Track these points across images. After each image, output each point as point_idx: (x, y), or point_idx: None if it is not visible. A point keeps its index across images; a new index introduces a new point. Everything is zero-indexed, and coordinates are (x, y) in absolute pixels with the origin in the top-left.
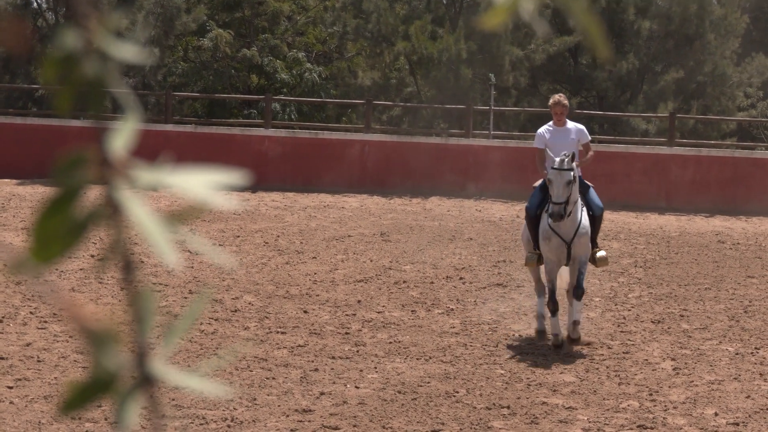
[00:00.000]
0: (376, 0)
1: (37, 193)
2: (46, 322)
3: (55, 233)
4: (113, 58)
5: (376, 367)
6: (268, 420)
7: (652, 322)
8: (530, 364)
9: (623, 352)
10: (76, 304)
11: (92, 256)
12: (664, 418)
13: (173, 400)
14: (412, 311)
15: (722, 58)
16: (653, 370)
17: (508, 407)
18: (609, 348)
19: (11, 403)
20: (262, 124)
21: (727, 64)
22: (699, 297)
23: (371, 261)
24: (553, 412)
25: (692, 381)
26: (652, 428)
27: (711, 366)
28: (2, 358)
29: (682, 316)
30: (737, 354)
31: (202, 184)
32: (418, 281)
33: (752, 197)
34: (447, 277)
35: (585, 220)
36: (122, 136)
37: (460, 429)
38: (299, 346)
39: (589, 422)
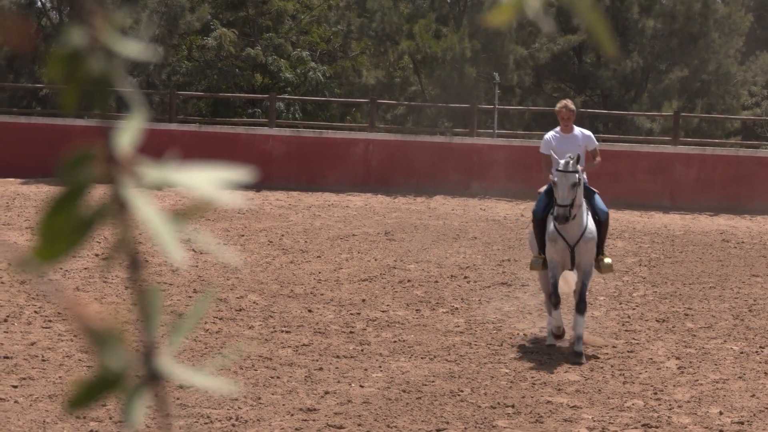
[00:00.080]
0: None
1: (41, 192)
2: (50, 321)
3: (61, 231)
4: (119, 56)
5: (380, 366)
6: (273, 419)
7: (656, 321)
8: (535, 363)
9: (628, 351)
10: (81, 303)
11: (97, 255)
12: (668, 417)
13: (178, 399)
14: (416, 310)
15: (726, 57)
16: (658, 369)
17: (513, 406)
18: (613, 347)
19: (16, 402)
20: (266, 123)
21: (731, 62)
22: (704, 296)
23: (376, 260)
24: (558, 411)
25: (697, 380)
26: (656, 427)
27: (716, 365)
28: (7, 357)
29: (687, 315)
30: (742, 353)
31: (208, 181)
32: (422, 280)
33: (756, 196)
34: (451, 276)
35: (591, 225)
36: (128, 133)
37: (465, 428)
38: (304, 345)
39: (594, 421)
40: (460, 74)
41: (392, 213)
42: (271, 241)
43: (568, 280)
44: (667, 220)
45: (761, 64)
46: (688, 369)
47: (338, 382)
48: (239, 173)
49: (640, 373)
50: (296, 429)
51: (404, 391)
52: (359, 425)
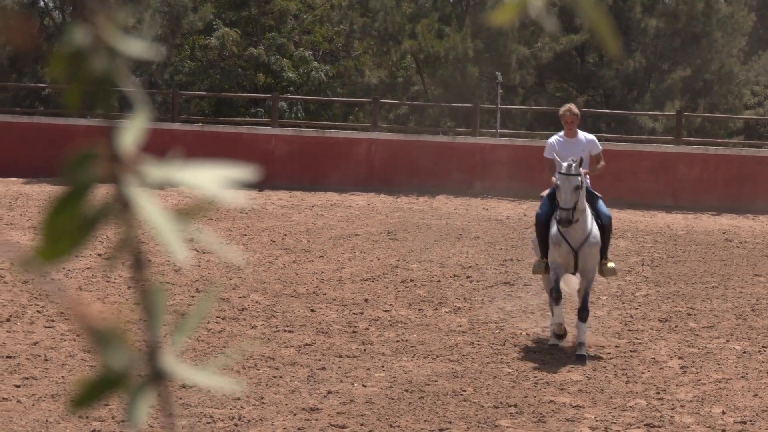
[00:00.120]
0: None
1: (44, 192)
2: (53, 320)
3: (64, 230)
4: (122, 55)
5: (383, 366)
6: (276, 419)
7: (659, 320)
8: (537, 362)
9: (630, 351)
10: (83, 302)
11: (100, 254)
12: (671, 416)
13: (180, 398)
14: (419, 310)
15: (729, 57)
16: (660, 368)
17: (516, 406)
18: (616, 346)
19: (18, 401)
20: (269, 123)
21: (733, 62)
22: (706, 295)
23: (378, 259)
24: (561, 411)
25: (699, 379)
26: (659, 427)
27: (718, 364)
28: (9, 357)
29: (690, 314)
30: (744, 352)
31: (211, 180)
32: (425, 280)
33: (759, 195)
34: (454, 275)
35: (595, 229)
36: (131, 133)
37: (468, 428)
38: (306, 344)
39: (597, 421)
40: (463, 74)
41: (395, 213)
42: (273, 241)
43: (569, 283)
44: (669, 220)
45: (764, 64)
46: (690, 369)
47: (341, 381)
48: (242, 172)
49: (643, 373)
50: (299, 429)
51: (407, 391)
52: (362, 425)
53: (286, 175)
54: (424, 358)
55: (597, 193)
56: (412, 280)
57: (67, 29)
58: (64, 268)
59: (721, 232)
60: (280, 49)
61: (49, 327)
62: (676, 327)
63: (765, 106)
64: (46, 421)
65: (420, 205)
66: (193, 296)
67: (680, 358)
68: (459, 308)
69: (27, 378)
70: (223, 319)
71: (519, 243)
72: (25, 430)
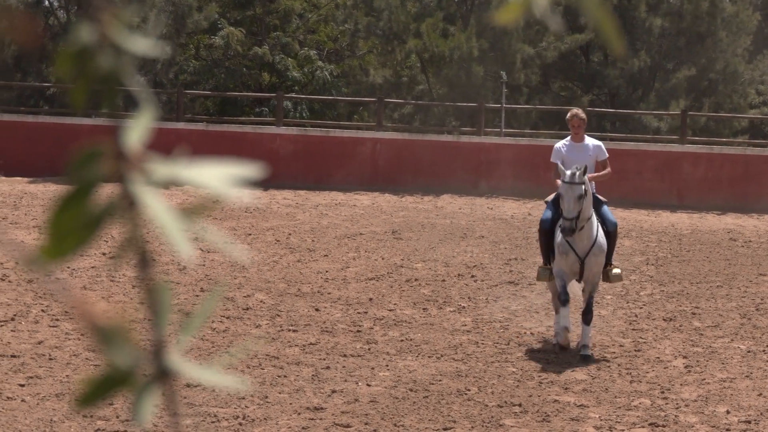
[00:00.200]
0: None
1: (48, 191)
2: (57, 320)
3: (69, 229)
4: (127, 53)
5: (387, 365)
6: (280, 418)
7: (663, 319)
8: (542, 362)
9: (635, 350)
10: (88, 302)
11: (104, 253)
12: (675, 416)
13: (185, 397)
14: (423, 309)
15: (734, 56)
16: (665, 368)
17: (520, 405)
18: (620, 346)
19: (23, 401)
20: (274, 122)
21: (738, 61)
22: (711, 295)
23: (383, 259)
24: (565, 410)
25: (704, 379)
26: (663, 426)
27: (723, 364)
28: (14, 356)
29: (694, 313)
30: (749, 352)
31: (216, 178)
32: (429, 279)
33: (764, 194)
34: (459, 274)
35: (602, 238)
36: (137, 131)
37: (472, 427)
38: (311, 344)
39: (601, 420)
40: (468, 73)
41: (399, 212)
42: (278, 240)
43: (571, 288)
44: (674, 219)
45: None
46: (695, 368)
47: (345, 381)
48: (247, 170)
49: (647, 372)
50: (303, 428)
51: (411, 390)
52: (366, 424)
53: (291, 175)
54: (429, 357)
55: (602, 198)
56: (416, 280)
57: (72, 28)
58: (68, 267)
59: (725, 232)
60: (285, 48)
61: (53, 326)
62: (680, 326)
63: None
64: (51, 420)
65: (424, 204)
66: (197, 295)
67: (685, 357)
68: (463, 307)
69: (31, 377)
70: (227, 318)
71: (523, 242)
72: (30, 429)
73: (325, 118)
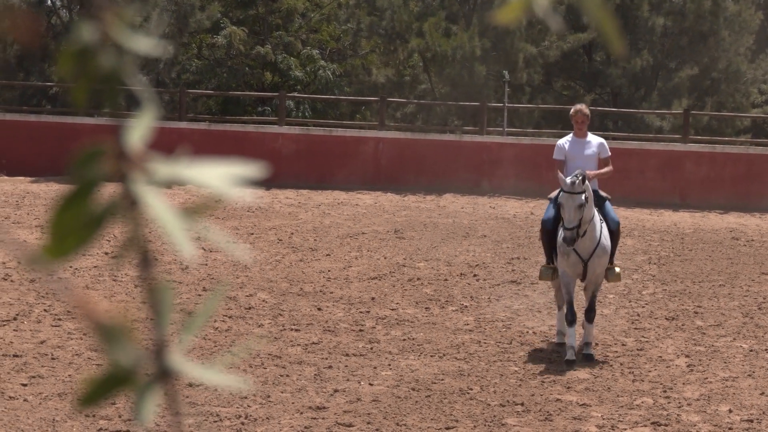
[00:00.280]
0: None
1: (51, 190)
2: (60, 319)
3: (71, 229)
4: (129, 52)
5: (389, 365)
6: (282, 417)
7: (666, 318)
8: (544, 361)
9: (637, 349)
10: (90, 301)
11: (107, 253)
12: (678, 415)
13: (187, 397)
14: (426, 308)
15: (736, 55)
16: (667, 367)
17: (522, 404)
18: (623, 345)
19: (25, 400)
20: (276, 122)
21: (741, 60)
22: (713, 294)
23: (385, 258)
24: (567, 409)
25: (706, 378)
26: (666, 425)
27: (725, 363)
28: (16, 356)
29: (696, 313)
30: (751, 351)
31: (218, 178)
32: (432, 278)
33: (766, 194)
34: (461, 274)
35: (605, 239)
36: (139, 130)
37: (474, 426)
38: (313, 343)
39: (603, 419)
40: (470, 72)
41: (402, 211)
42: (280, 239)
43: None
44: (676, 218)
45: None
46: (697, 367)
47: (347, 380)
48: (249, 170)
49: (650, 371)
50: (305, 427)
51: (413, 389)
52: (368, 423)
53: (293, 174)
54: (431, 356)
55: (605, 195)
56: (418, 279)
57: (74, 27)
58: (71, 267)
59: (728, 231)
60: (288, 47)
61: (56, 326)
62: (682, 325)
63: None
64: (53, 419)
65: (427, 203)
66: (200, 295)
67: (687, 356)
68: (466, 307)
69: (34, 377)
70: (230, 317)
71: (526, 241)
72: (32, 428)
73: (328, 118)
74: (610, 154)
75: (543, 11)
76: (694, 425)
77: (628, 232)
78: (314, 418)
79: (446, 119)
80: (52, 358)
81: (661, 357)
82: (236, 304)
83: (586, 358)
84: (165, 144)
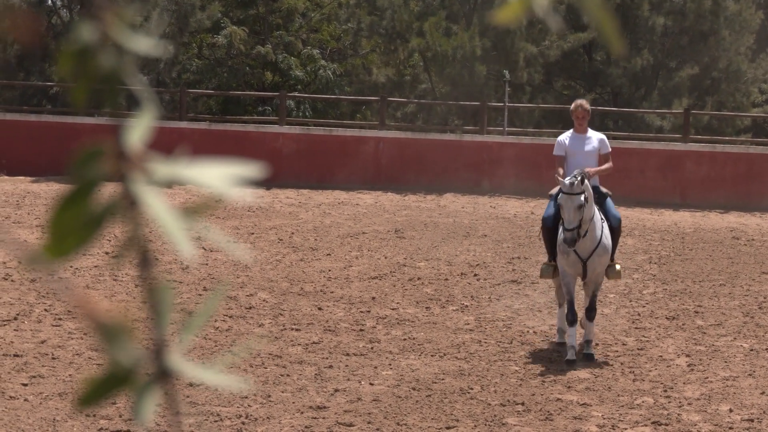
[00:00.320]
0: None
1: (51, 190)
2: (60, 319)
3: (71, 228)
4: (130, 52)
5: (390, 364)
6: (283, 417)
7: (666, 318)
8: (545, 360)
9: (638, 349)
10: (91, 301)
11: (107, 253)
12: (678, 414)
13: (188, 397)
14: (426, 308)
15: (737, 55)
16: (668, 366)
17: (523, 404)
18: (623, 344)
19: (26, 400)
20: (277, 121)
21: (741, 60)
22: (713, 293)
23: (385, 258)
24: (568, 409)
25: (707, 377)
26: (666, 425)
27: (726, 362)
28: (17, 356)
29: (697, 312)
30: (752, 350)
31: (218, 177)
32: (432, 278)
33: (767, 193)
34: (461, 273)
35: (606, 238)
36: (139, 130)
37: (475, 426)
38: (313, 343)
39: (604, 418)
40: (471, 72)
41: (402, 211)
42: (281, 239)
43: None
44: (677, 218)
45: None
46: (698, 366)
47: (348, 379)
48: (250, 169)
49: (650, 371)
50: (306, 427)
51: (414, 389)
52: (369, 423)
53: (294, 174)
54: (432, 356)
55: (606, 191)
56: (419, 278)
57: (74, 27)
58: (71, 267)
59: (728, 230)
60: (288, 47)
61: (56, 325)
62: (683, 325)
63: None
64: (54, 419)
65: (427, 203)
66: (200, 294)
67: (687, 356)
68: (466, 306)
69: (34, 376)
70: (230, 317)
71: (526, 241)
72: (33, 428)
73: (328, 117)
74: (610, 150)
75: (543, 11)
76: (695, 425)
77: (628, 231)
78: (315, 418)
79: (447, 119)
80: (53, 358)
81: (661, 356)
82: (237, 303)
83: (587, 358)
84: (165, 144)
